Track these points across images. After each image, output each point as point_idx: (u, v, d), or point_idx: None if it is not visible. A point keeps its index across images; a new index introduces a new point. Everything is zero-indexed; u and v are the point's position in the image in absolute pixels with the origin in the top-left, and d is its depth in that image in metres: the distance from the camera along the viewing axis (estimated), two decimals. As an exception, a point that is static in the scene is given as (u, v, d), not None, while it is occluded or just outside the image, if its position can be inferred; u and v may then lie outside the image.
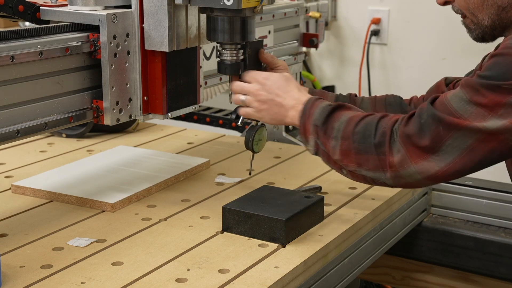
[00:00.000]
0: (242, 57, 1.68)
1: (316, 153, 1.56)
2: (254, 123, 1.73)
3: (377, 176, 1.47)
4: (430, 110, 1.40)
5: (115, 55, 1.60)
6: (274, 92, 1.60)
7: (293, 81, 1.62)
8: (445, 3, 1.53)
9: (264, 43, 1.76)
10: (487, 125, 1.32)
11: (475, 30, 1.51)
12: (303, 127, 1.55)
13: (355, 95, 1.81)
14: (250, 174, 1.83)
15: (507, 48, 1.32)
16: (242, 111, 1.66)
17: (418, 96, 1.79)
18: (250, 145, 1.73)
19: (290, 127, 2.49)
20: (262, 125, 1.74)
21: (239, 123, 1.71)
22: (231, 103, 1.77)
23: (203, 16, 1.68)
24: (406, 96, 1.76)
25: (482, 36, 1.51)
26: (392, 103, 1.78)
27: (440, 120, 1.37)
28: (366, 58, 2.89)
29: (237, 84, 1.65)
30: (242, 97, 1.64)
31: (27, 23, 1.82)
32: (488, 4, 1.45)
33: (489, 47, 1.57)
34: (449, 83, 1.75)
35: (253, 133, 1.72)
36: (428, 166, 1.40)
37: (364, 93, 2.90)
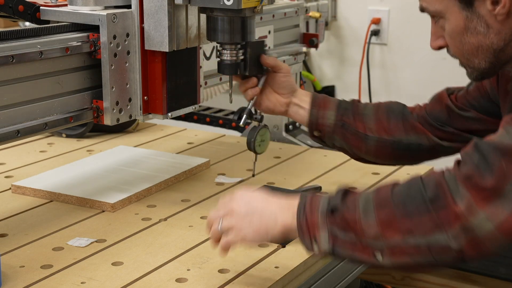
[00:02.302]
0: (242, 57, 1.68)
1: (332, 250, 1.27)
2: (256, 123, 1.73)
3: (436, 240, 1.19)
4: (485, 145, 1.21)
5: (115, 55, 1.59)
6: (254, 202, 1.36)
7: (274, 195, 1.38)
8: (439, 48, 1.43)
9: (265, 44, 1.75)
10: None
11: (473, 73, 1.41)
12: (306, 223, 1.29)
13: (358, 101, 1.77)
14: (253, 175, 1.82)
15: None
16: (222, 242, 1.38)
17: (421, 105, 1.74)
18: (252, 146, 1.72)
19: (290, 127, 2.49)
20: (265, 125, 1.74)
21: (240, 123, 1.70)
22: (231, 103, 1.77)
23: (203, 16, 1.68)
24: (407, 97, 1.76)
25: (481, 77, 1.42)
26: (395, 110, 1.72)
27: (502, 151, 1.19)
28: (366, 58, 2.89)
29: (213, 213, 1.40)
30: (218, 226, 1.38)
31: (27, 23, 1.82)
32: (483, 49, 1.36)
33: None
34: (451, 93, 1.69)
35: (255, 133, 1.72)
36: (497, 210, 1.17)
37: (364, 93, 2.90)
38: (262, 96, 1.74)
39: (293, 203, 1.33)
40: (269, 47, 1.77)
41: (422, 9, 1.42)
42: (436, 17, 1.40)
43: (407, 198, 1.23)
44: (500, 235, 1.18)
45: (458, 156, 1.27)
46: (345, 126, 1.71)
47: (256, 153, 1.74)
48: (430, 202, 1.21)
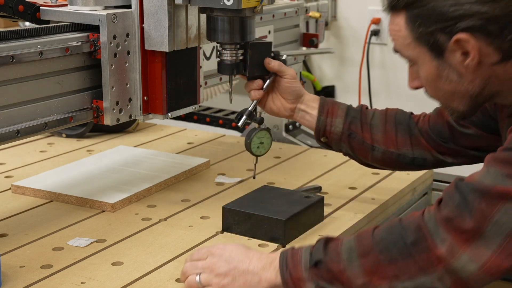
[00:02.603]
0: (242, 57, 1.68)
1: None
2: (256, 125, 1.71)
3: (422, 283, 1.21)
4: (465, 186, 1.22)
5: (115, 55, 1.59)
6: (235, 260, 1.34)
7: (253, 249, 1.39)
8: (416, 88, 1.44)
9: (272, 47, 1.72)
10: None
11: (453, 114, 1.42)
12: (291, 278, 1.29)
13: (366, 107, 1.74)
14: (254, 178, 1.81)
15: None
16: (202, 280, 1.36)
17: (425, 116, 1.71)
18: (248, 148, 1.70)
19: (290, 127, 2.49)
20: (266, 128, 1.71)
21: (239, 124, 1.69)
22: (231, 103, 1.77)
23: (203, 16, 1.68)
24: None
25: (462, 117, 1.42)
26: (402, 122, 1.70)
27: (482, 192, 1.20)
28: (366, 58, 2.89)
29: (189, 264, 1.39)
30: (197, 278, 1.36)
31: (27, 23, 1.82)
32: (459, 94, 1.36)
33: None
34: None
35: (252, 135, 1.70)
36: (479, 251, 1.18)
37: (364, 93, 2.90)
38: (268, 98, 1.72)
39: (274, 258, 1.33)
40: (279, 52, 1.73)
41: (396, 51, 1.42)
42: (410, 61, 1.41)
43: (389, 243, 1.24)
44: (483, 275, 1.20)
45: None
46: (352, 135, 1.70)
47: (254, 155, 1.72)
48: (412, 245, 1.22)
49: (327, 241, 1.31)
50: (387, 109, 1.75)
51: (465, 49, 1.30)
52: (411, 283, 1.22)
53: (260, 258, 1.35)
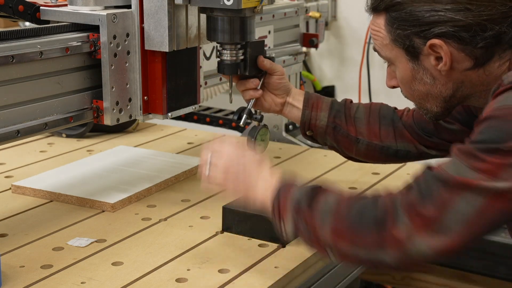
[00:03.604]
0: (242, 57, 1.68)
1: (294, 234, 1.40)
2: (256, 123, 1.73)
3: (375, 256, 1.29)
4: (430, 174, 1.27)
5: (115, 55, 1.59)
6: (245, 165, 1.45)
7: (266, 161, 1.47)
8: (393, 87, 1.50)
9: (265, 44, 1.75)
10: (497, 184, 1.21)
11: (426, 115, 1.48)
12: (278, 206, 1.39)
13: (351, 101, 1.78)
14: None
15: (497, 109, 1.25)
16: (204, 183, 1.48)
17: (409, 110, 1.75)
18: (253, 147, 1.72)
19: (290, 127, 2.49)
20: (265, 125, 1.74)
21: (240, 123, 1.70)
22: (231, 103, 1.77)
23: (203, 16, 1.68)
24: (407, 100, 1.73)
25: (435, 118, 1.49)
26: (386, 115, 1.75)
27: (444, 182, 1.25)
28: (366, 58, 2.89)
29: (210, 143, 1.50)
30: (209, 156, 1.48)
31: (27, 23, 1.82)
32: (433, 96, 1.43)
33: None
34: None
35: (255, 133, 1.71)
36: (437, 239, 1.24)
37: (364, 93, 2.90)
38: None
39: (274, 181, 1.42)
40: (268, 47, 1.76)
41: (375, 50, 1.49)
42: (388, 61, 1.48)
43: (360, 215, 1.31)
44: (435, 257, 1.27)
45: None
46: (336, 129, 1.74)
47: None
48: (376, 223, 1.28)
49: (316, 191, 1.38)
50: (371, 103, 1.80)
51: (438, 54, 1.37)
52: (366, 253, 1.30)
53: (264, 178, 1.43)
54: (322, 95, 1.79)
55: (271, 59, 1.72)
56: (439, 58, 1.37)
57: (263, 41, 1.74)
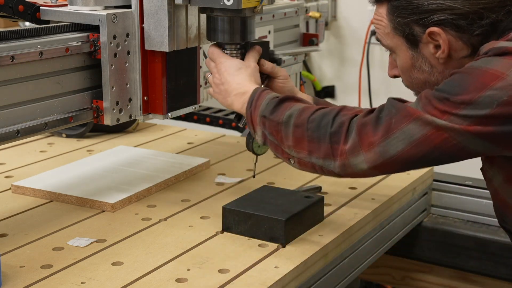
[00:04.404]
0: (242, 57, 1.68)
1: (264, 143, 1.56)
2: None
3: (326, 164, 1.46)
4: (390, 101, 1.41)
5: (115, 55, 1.59)
6: (224, 77, 1.62)
7: (245, 70, 1.63)
8: (394, 77, 1.58)
9: (269, 46, 1.74)
10: (437, 121, 1.33)
11: None
12: (250, 117, 1.56)
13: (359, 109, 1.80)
14: (254, 177, 1.81)
15: (465, 68, 1.36)
16: (209, 90, 1.70)
17: None
18: (251, 147, 1.71)
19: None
20: None
21: (240, 124, 1.70)
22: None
23: (203, 16, 1.68)
24: (407, 97, 1.73)
25: None
26: None
27: (397, 109, 1.38)
28: (366, 58, 2.89)
29: (208, 60, 1.68)
30: (208, 75, 1.68)
31: (27, 23, 1.82)
32: (430, 84, 1.48)
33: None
34: None
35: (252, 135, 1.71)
36: (375, 156, 1.40)
37: (364, 93, 2.90)
38: None
39: (247, 92, 1.59)
40: (273, 51, 1.76)
41: (377, 39, 1.56)
42: (389, 50, 1.54)
43: (317, 126, 1.46)
44: (372, 172, 1.43)
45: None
46: None
47: (255, 154, 1.73)
48: (329, 135, 1.44)
49: (282, 101, 1.53)
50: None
51: (437, 42, 1.43)
52: (319, 161, 1.47)
53: (241, 85, 1.60)
54: (320, 97, 1.78)
55: (277, 61, 1.71)
56: (437, 46, 1.44)
57: (268, 42, 1.73)
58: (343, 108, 1.50)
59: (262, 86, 1.69)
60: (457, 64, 1.45)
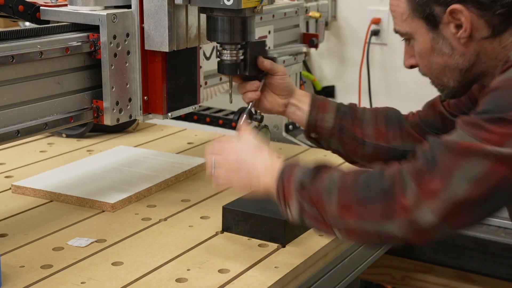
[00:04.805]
0: (242, 57, 1.68)
1: (300, 217, 1.39)
2: (256, 124, 1.72)
3: (383, 227, 1.29)
4: (436, 142, 1.29)
5: (115, 55, 1.59)
6: (243, 156, 1.47)
7: (264, 148, 1.49)
8: (411, 67, 1.51)
9: (266, 45, 1.73)
10: (499, 150, 1.21)
11: (443, 91, 1.49)
12: (282, 190, 1.40)
13: (356, 105, 1.77)
14: None
15: (503, 81, 1.28)
16: (215, 183, 1.52)
17: (415, 112, 1.76)
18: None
19: (290, 127, 2.49)
20: (265, 126, 1.73)
21: (240, 124, 1.69)
22: (231, 103, 1.77)
23: (203, 16, 1.68)
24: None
25: (452, 95, 1.49)
26: (392, 118, 1.74)
27: (449, 147, 1.26)
28: (366, 58, 2.88)
29: (210, 144, 1.53)
30: (213, 157, 1.51)
31: (27, 23, 1.82)
32: (449, 68, 1.44)
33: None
34: (443, 100, 1.70)
35: (256, 133, 1.70)
36: (441, 203, 1.24)
37: (364, 93, 2.90)
38: (260, 97, 1.73)
39: (276, 166, 1.44)
40: (269, 47, 1.76)
41: (396, 31, 1.50)
42: (407, 38, 1.49)
43: (367, 186, 1.31)
44: (443, 223, 1.26)
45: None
46: (343, 130, 1.72)
47: None
48: (383, 192, 1.29)
49: (318, 170, 1.39)
50: (376, 107, 1.79)
51: (458, 21, 1.38)
52: (373, 226, 1.30)
53: (265, 162, 1.46)
54: (321, 96, 1.78)
55: (273, 59, 1.72)
56: (459, 26, 1.38)
57: (264, 41, 1.74)
58: (383, 166, 1.35)
59: (262, 83, 1.70)
60: (478, 46, 1.40)
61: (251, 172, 1.46)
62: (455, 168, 1.24)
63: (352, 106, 1.76)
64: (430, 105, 1.73)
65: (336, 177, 1.36)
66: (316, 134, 1.74)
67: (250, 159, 1.47)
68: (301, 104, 1.73)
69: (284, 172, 1.42)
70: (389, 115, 1.75)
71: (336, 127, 1.72)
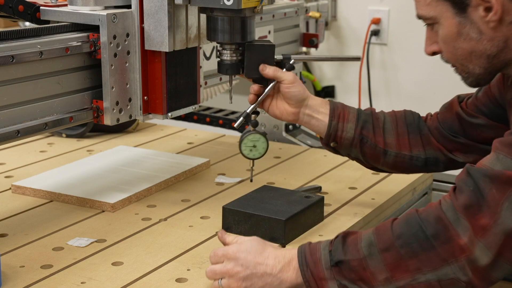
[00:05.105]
0: (240, 58, 1.67)
1: None
2: (251, 128, 1.68)
3: (444, 274, 1.23)
4: (477, 172, 1.24)
5: (115, 55, 1.60)
6: (251, 263, 1.36)
7: (267, 243, 1.41)
8: (433, 53, 1.45)
9: (272, 48, 1.66)
10: None
11: (468, 78, 1.42)
12: (313, 277, 1.31)
13: (375, 111, 1.71)
14: (251, 181, 1.79)
15: None
16: (222, 283, 1.38)
17: (433, 114, 1.71)
18: (239, 149, 1.69)
19: (290, 127, 2.48)
20: (263, 132, 1.67)
21: (235, 125, 1.66)
22: (231, 103, 1.77)
23: (203, 16, 1.68)
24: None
25: (476, 83, 1.43)
26: (412, 122, 1.69)
27: (494, 178, 1.22)
28: (366, 58, 2.89)
29: (209, 270, 1.39)
30: (219, 282, 1.38)
31: (27, 23, 1.82)
32: (476, 54, 1.37)
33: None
34: (461, 101, 1.67)
35: (243, 137, 1.67)
36: (495, 237, 1.20)
37: (364, 93, 2.90)
38: (271, 102, 1.67)
39: (292, 258, 1.35)
40: (289, 55, 1.69)
41: (419, 17, 1.43)
42: (431, 23, 1.42)
43: (410, 237, 1.25)
44: (499, 259, 1.22)
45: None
46: (364, 140, 1.67)
47: (245, 157, 1.69)
48: (433, 238, 1.24)
49: (344, 238, 1.32)
50: (394, 111, 1.74)
51: (488, 3, 1.30)
52: (433, 275, 1.23)
53: (277, 257, 1.36)
54: (339, 102, 1.73)
55: (290, 66, 1.65)
56: (488, 9, 1.31)
57: (272, 45, 1.66)
58: (418, 211, 1.29)
59: (267, 90, 1.64)
60: (508, 31, 1.32)
61: (267, 277, 1.34)
62: (503, 199, 1.21)
63: (373, 113, 1.70)
64: (448, 106, 1.69)
65: (371, 238, 1.28)
66: (335, 144, 1.68)
67: (259, 265, 1.35)
68: (316, 114, 1.67)
69: (305, 258, 1.33)
70: (408, 120, 1.70)
71: (357, 138, 1.67)
